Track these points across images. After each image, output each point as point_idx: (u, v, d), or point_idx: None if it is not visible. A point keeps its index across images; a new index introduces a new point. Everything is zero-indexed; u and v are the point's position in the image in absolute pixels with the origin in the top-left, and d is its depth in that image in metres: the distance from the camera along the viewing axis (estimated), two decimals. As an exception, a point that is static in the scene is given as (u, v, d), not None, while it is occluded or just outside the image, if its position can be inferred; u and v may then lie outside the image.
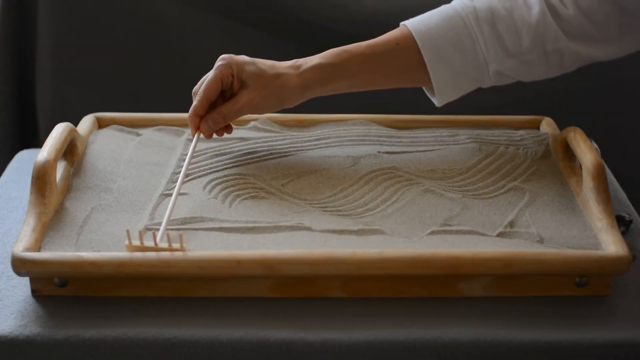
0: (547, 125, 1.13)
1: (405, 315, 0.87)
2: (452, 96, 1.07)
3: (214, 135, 1.04)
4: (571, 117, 1.18)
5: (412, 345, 0.84)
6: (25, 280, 0.89)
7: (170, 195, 0.97)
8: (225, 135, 1.10)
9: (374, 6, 1.37)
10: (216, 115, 1.01)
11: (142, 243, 0.88)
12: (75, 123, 1.08)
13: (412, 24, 1.04)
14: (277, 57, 1.40)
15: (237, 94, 1.02)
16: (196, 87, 1.03)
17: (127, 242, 0.88)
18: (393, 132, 1.13)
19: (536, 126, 1.15)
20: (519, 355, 0.84)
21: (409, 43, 1.03)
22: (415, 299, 0.89)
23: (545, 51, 1.03)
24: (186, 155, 1.03)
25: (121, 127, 1.13)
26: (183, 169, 0.98)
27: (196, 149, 1.04)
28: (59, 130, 1.00)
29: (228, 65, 1.01)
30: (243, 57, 1.02)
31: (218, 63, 1.01)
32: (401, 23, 1.06)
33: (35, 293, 0.88)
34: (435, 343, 0.84)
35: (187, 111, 1.15)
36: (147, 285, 0.88)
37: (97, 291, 0.88)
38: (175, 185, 0.96)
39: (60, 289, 0.88)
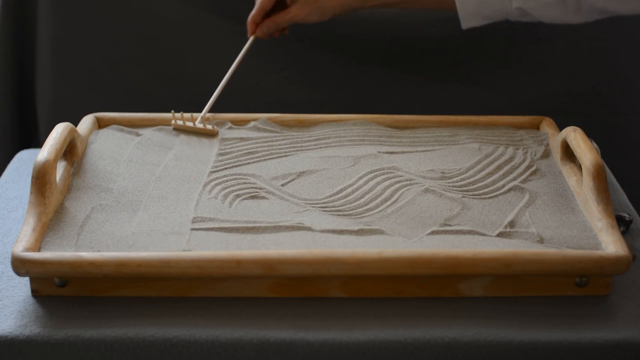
0: (547, 125, 1.13)
1: (405, 315, 0.87)
2: (476, 22, 1.20)
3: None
4: (571, 117, 1.18)
5: (412, 345, 0.84)
6: (25, 280, 0.89)
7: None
8: (226, 135, 1.10)
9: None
10: (270, 23, 1.22)
11: (184, 123, 1.11)
12: (75, 123, 1.08)
13: None
14: (278, 56, 1.41)
15: (289, 7, 1.21)
16: None
17: (173, 121, 1.11)
18: (393, 132, 1.13)
19: (536, 126, 1.15)
20: (519, 355, 0.84)
21: None
22: (415, 299, 0.89)
23: None
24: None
25: (121, 127, 1.13)
26: (235, 63, 1.19)
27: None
28: (59, 130, 1.00)
29: None
30: None
31: None
32: None
33: (35, 293, 0.88)
34: (435, 343, 0.84)
35: (187, 111, 1.15)
36: (147, 285, 0.88)
37: (97, 291, 0.88)
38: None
39: (60, 289, 0.88)
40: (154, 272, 0.86)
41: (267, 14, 1.22)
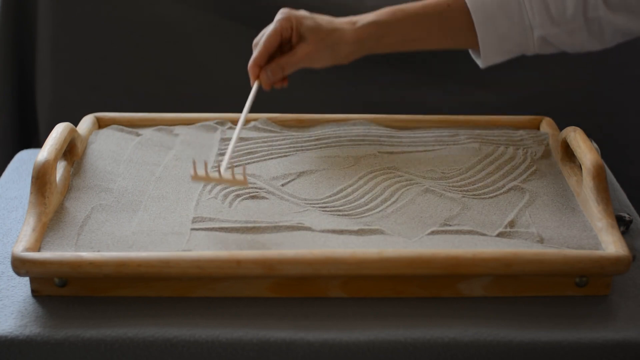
0: (547, 125, 1.13)
1: (405, 315, 0.87)
2: (497, 58, 1.11)
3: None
4: (571, 117, 1.18)
5: (412, 345, 0.84)
6: (25, 280, 0.89)
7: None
8: (226, 135, 1.10)
9: (374, 6, 1.37)
10: (275, 66, 1.07)
11: (207, 174, 0.94)
12: (75, 123, 1.08)
13: None
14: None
15: (295, 47, 1.07)
16: (256, 39, 1.08)
17: (192, 172, 0.94)
18: (393, 132, 1.13)
19: (536, 126, 1.15)
20: (519, 355, 0.84)
21: (459, 5, 1.09)
22: (415, 299, 0.89)
23: (587, 19, 1.07)
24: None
25: (121, 127, 1.13)
26: (243, 113, 1.04)
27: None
28: (59, 130, 1.00)
29: (287, 19, 1.07)
30: (302, 12, 1.08)
31: (278, 17, 1.07)
32: None
33: (35, 293, 0.88)
34: (435, 343, 0.84)
35: (187, 111, 1.15)
36: (147, 285, 0.88)
37: (97, 291, 0.88)
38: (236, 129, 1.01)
39: (60, 289, 0.88)
40: (154, 272, 0.86)
41: (271, 56, 1.08)
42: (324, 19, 1.08)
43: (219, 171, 0.96)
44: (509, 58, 1.12)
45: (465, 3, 1.08)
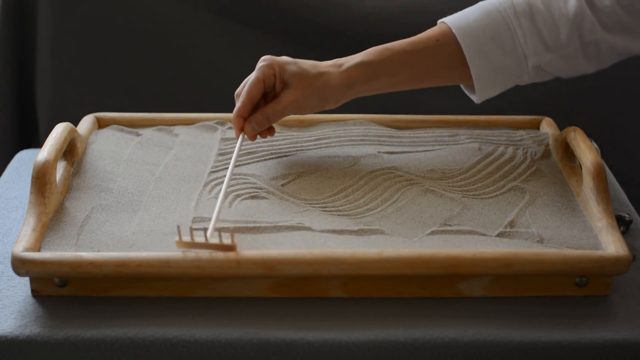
0: (547, 125, 1.13)
1: (405, 315, 0.87)
2: (492, 92, 1.07)
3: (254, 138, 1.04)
4: (571, 117, 1.18)
5: (412, 345, 0.84)
6: (25, 280, 0.89)
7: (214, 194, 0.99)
8: (226, 135, 1.10)
9: (374, 6, 1.37)
10: (259, 117, 1.01)
11: (192, 239, 0.87)
12: (75, 123, 1.08)
13: (451, 21, 1.05)
14: (278, 56, 1.40)
15: (280, 95, 1.02)
16: (238, 89, 1.03)
17: (177, 238, 0.88)
18: (393, 132, 1.13)
19: (536, 126, 1.15)
20: (519, 355, 0.84)
21: (449, 39, 1.04)
22: (415, 299, 0.89)
23: (583, 43, 1.03)
24: (226, 158, 1.05)
25: (121, 127, 1.13)
26: (229, 169, 0.98)
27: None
28: (59, 130, 1.00)
29: (270, 66, 1.01)
30: (284, 58, 1.03)
31: (260, 64, 1.01)
32: (439, 20, 1.06)
33: (35, 293, 0.88)
34: (435, 343, 0.84)
35: (187, 111, 1.15)
36: (147, 285, 0.88)
37: (97, 291, 0.88)
38: (224, 180, 0.97)
39: (60, 289, 0.88)
40: (154, 272, 0.86)
41: (255, 106, 1.02)
42: (307, 63, 1.03)
43: (205, 236, 0.88)
44: (504, 90, 1.08)
45: (454, 37, 1.04)
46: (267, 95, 1.03)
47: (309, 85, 1.01)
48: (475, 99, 1.08)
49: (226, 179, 0.97)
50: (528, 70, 1.05)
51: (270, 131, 1.05)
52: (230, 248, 0.87)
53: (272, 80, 1.01)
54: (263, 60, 1.01)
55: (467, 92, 1.11)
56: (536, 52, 1.04)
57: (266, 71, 1.01)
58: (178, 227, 0.88)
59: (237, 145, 1.01)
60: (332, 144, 1.10)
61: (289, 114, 1.03)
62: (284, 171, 1.04)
